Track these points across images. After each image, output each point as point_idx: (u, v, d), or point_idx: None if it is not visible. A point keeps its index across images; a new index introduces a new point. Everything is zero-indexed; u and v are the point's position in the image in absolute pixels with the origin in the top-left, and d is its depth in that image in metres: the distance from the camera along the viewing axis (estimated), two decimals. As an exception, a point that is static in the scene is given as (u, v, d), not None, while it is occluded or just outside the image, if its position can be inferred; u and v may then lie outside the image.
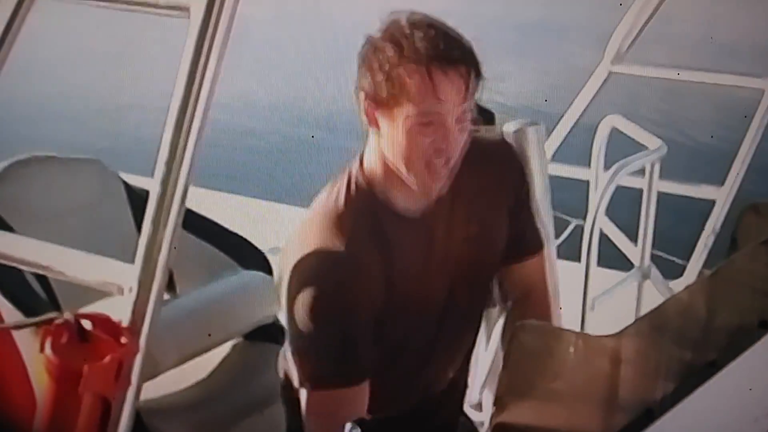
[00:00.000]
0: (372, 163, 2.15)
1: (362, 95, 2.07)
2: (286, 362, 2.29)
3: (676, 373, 1.90)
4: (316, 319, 2.06)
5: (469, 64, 2.02)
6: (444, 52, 2.00)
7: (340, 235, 2.08)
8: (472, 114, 2.07)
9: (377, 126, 2.08)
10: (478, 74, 2.04)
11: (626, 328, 1.71)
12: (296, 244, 2.12)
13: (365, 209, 2.13)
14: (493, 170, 2.28)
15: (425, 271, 2.19)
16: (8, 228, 2.90)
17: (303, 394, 2.13)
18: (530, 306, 2.41)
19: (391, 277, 2.12)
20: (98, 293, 2.02)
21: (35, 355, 1.87)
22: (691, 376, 1.86)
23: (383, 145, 2.09)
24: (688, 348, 1.96)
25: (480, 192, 2.25)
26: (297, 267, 2.08)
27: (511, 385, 1.66)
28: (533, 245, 2.43)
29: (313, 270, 2.07)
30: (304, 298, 2.05)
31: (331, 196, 2.15)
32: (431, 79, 1.99)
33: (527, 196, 2.40)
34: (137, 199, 3.23)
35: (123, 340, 1.89)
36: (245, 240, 3.48)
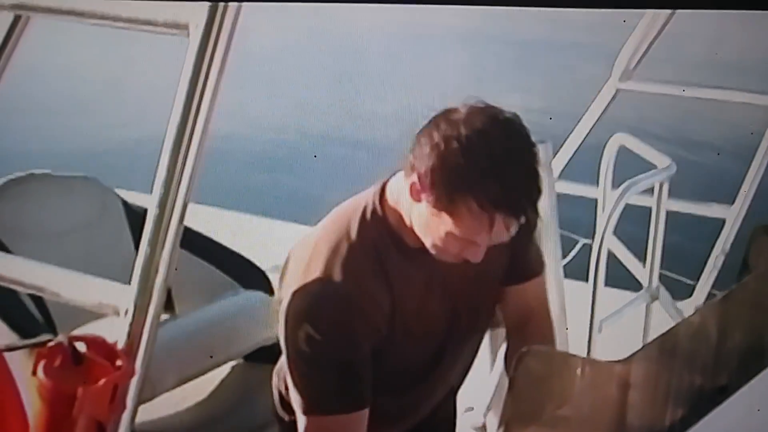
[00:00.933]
0: (394, 201, 2.09)
1: (414, 170, 1.97)
2: (281, 382, 2.25)
3: (686, 398, 1.87)
4: (315, 349, 2.02)
5: (529, 210, 1.97)
6: (512, 203, 1.93)
7: (346, 265, 2.04)
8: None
9: (417, 200, 2.00)
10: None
11: (635, 353, 1.67)
12: (300, 267, 2.07)
13: (376, 241, 2.08)
14: None
15: (428, 302, 2.16)
16: (3, 247, 2.86)
17: (301, 419, 2.08)
18: (531, 329, 2.36)
19: (395, 309, 2.08)
20: (95, 314, 1.99)
21: (28, 378, 1.83)
22: (702, 402, 1.82)
23: (413, 212, 2.03)
24: (698, 373, 1.92)
25: None
26: (298, 293, 2.04)
27: (517, 411, 1.63)
28: (534, 268, 2.39)
29: (314, 299, 2.03)
30: (304, 327, 2.02)
31: (343, 220, 2.10)
32: (490, 224, 1.93)
33: (527, 221, 2.34)
34: (135, 217, 3.20)
35: (118, 362, 1.86)
36: (246, 259, 3.44)
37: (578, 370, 1.71)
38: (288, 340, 2.06)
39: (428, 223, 1.99)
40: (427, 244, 2.01)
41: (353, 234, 2.07)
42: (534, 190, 1.95)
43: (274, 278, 3.43)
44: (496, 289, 2.31)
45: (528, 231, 2.25)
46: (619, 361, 1.66)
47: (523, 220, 1.94)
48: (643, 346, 1.78)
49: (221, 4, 1.86)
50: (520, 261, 2.32)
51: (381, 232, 2.08)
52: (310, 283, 2.04)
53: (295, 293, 2.04)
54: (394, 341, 2.10)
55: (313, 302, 2.03)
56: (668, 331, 1.85)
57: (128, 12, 1.97)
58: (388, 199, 2.10)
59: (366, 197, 2.12)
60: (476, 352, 2.41)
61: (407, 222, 2.05)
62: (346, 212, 2.12)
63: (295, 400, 2.09)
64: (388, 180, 2.13)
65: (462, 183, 1.91)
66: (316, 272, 2.04)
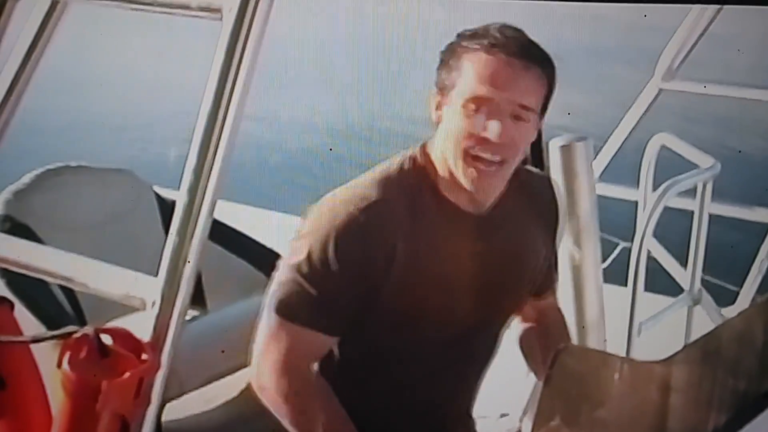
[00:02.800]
0: (433, 152, 2.12)
1: (435, 91, 2.08)
2: None
3: (728, 403, 1.81)
4: (324, 261, 2.04)
5: (537, 63, 2.02)
6: (513, 44, 2.00)
7: (381, 189, 2.07)
8: (534, 120, 2.05)
9: (439, 110, 2.08)
10: (548, 82, 2.05)
11: (676, 354, 1.61)
12: (341, 188, 2.11)
13: (414, 181, 2.10)
14: (538, 200, 2.29)
15: (453, 262, 2.12)
16: (36, 239, 2.83)
17: (270, 317, 2.10)
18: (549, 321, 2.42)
19: (409, 252, 2.05)
20: (126, 308, 1.95)
21: (53, 370, 1.81)
22: (745, 408, 1.76)
23: (439, 136, 2.07)
24: (741, 377, 1.86)
25: (524, 218, 2.23)
26: (330, 198, 2.08)
27: (551, 413, 1.57)
28: (552, 282, 2.42)
29: (342, 203, 2.06)
30: (325, 238, 2.04)
31: (385, 164, 2.14)
32: (491, 64, 1.99)
33: (559, 232, 2.40)
34: (169, 211, 3.16)
35: (144, 356, 1.82)
36: (280, 256, 3.40)
37: (617, 371, 1.65)
38: (302, 242, 2.07)
39: (448, 120, 2.04)
40: (452, 155, 2.03)
41: (393, 170, 2.12)
42: (541, 49, 2.04)
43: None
44: (522, 294, 2.30)
45: (555, 247, 2.37)
46: (659, 362, 1.60)
47: (530, 69, 1.99)
48: (685, 347, 1.72)
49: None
50: (545, 274, 2.35)
51: (419, 176, 2.11)
52: (343, 190, 2.09)
53: (328, 198, 2.09)
54: (399, 292, 2.08)
55: (342, 204, 2.06)
56: (711, 333, 1.80)
57: (162, -4, 1.95)
58: (429, 150, 2.13)
59: (410, 151, 2.16)
60: (493, 351, 2.34)
61: (443, 172, 2.08)
62: (385, 165, 2.15)
63: (273, 297, 2.11)
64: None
65: (464, 44, 2.03)
66: (352, 186, 2.09)
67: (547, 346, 2.30)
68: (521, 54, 1.99)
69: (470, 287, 2.14)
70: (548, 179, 2.40)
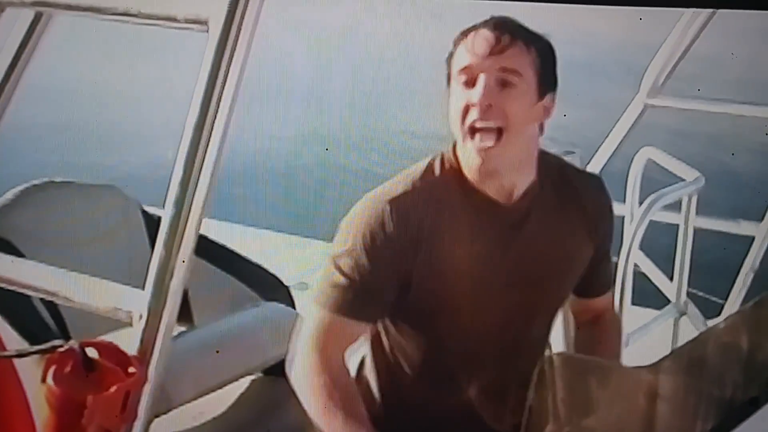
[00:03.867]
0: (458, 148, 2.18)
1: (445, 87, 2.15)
2: None
3: (715, 410, 1.80)
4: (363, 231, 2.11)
5: (521, 36, 2.07)
6: (496, 21, 2.09)
7: (408, 184, 2.15)
8: (527, 86, 2.07)
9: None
10: (537, 51, 2.09)
11: (663, 359, 1.61)
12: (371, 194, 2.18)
13: (441, 177, 2.16)
14: (581, 199, 2.28)
15: (483, 259, 2.15)
16: (20, 255, 2.81)
17: (316, 312, 2.13)
18: (601, 327, 2.43)
19: (436, 240, 2.12)
20: (111, 323, 1.94)
21: (38, 385, 1.79)
22: (732, 414, 1.76)
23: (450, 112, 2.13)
24: (727, 383, 1.86)
25: (563, 213, 2.24)
26: (367, 195, 2.16)
27: (541, 420, 1.57)
28: (605, 285, 2.44)
29: (373, 198, 2.14)
30: (359, 222, 2.13)
31: (417, 164, 2.21)
32: (473, 37, 2.08)
33: (610, 235, 2.39)
34: (156, 227, 3.15)
35: (131, 369, 1.81)
36: (267, 272, 3.40)
37: (605, 378, 1.65)
38: (340, 236, 2.15)
39: (451, 103, 2.10)
40: (457, 131, 2.09)
41: (423, 167, 2.19)
42: (520, 24, 2.10)
43: (296, 294, 3.40)
44: (567, 277, 2.30)
45: (607, 244, 2.36)
46: (646, 368, 1.60)
47: (502, 33, 2.06)
48: (670, 354, 1.71)
49: (242, -1, 1.82)
50: (595, 276, 2.36)
51: (447, 174, 2.16)
52: (381, 187, 2.16)
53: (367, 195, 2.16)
54: (430, 288, 2.14)
55: (378, 194, 2.15)
56: (696, 339, 1.79)
57: (148, 8, 1.95)
58: (457, 151, 2.17)
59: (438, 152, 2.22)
60: (540, 347, 2.32)
61: (466, 164, 2.14)
62: (416, 164, 2.21)
63: (316, 290, 2.16)
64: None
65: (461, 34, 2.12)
66: (382, 192, 2.15)
67: (599, 350, 2.33)
68: (503, 27, 2.07)
69: (500, 276, 2.16)
70: (598, 180, 2.38)
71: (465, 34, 2.10)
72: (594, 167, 4.35)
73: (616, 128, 4.41)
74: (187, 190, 1.85)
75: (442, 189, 2.15)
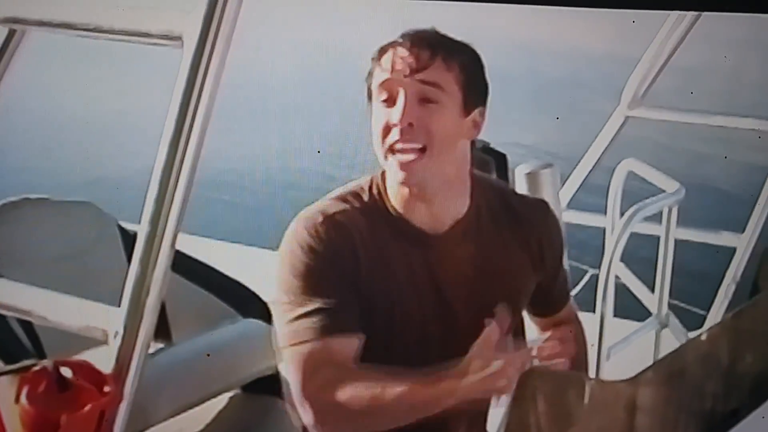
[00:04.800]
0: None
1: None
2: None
3: (696, 422, 1.80)
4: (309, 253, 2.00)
5: (441, 48, 1.98)
6: (413, 36, 2.00)
7: (338, 205, 2.05)
8: (450, 103, 1.99)
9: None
10: (459, 65, 1.99)
11: (643, 372, 1.60)
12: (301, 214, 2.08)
13: (369, 202, 2.07)
14: (525, 224, 2.18)
15: (411, 285, 2.07)
16: (-6, 273, 2.80)
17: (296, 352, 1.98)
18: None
19: (369, 261, 2.03)
20: (87, 341, 1.92)
21: (11, 405, 1.78)
22: (713, 426, 1.76)
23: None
24: (708, 395, 1.85)
25: (502, 238, 2.15)
26: (295, 220, 2.04)
27: (518, 434, 1.56)
28: (561, 301, 2.36)
29: (303, 220, 2.03)
30: (292, 246, 2.01)
31: (346, 185, 2.12)
32: (391, 53, 1.98)
33: (560, 257, 2.29)
34: (133, 245, 3.14)
35: (106, 388, 1.79)
36: (245, 288, 3.38)
37: (584, 391, 1.64)
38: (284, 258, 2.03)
39: (372, 122, 2.01)
40: (379, 154, 2.00)
41: (350, 194, 2.08)
42: (437, 36, 2.01)
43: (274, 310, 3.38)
44: (508, 301, 2.13)
45: (554, 271, 2.25)
46: (626, 381, 1.59)
47: (418, 47, 1.97)
48: (651, 366, 1.70)
49: (217, 14, 1.81)
50: (549, 295, 2.29)
51: (374, 199, 2.08)
52: (303, 219, 2.03)
53: (290, 229, 2.04)
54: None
55: (311, 213, 2.04)
56: (677, 351, 1.79)
57: (122, 24, 1.94)
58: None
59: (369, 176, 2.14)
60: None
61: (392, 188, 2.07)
62: (346, 186, 2.12)
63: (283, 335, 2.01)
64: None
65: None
66: (314, 212, 2.04)
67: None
68: (421, 42, 1.98)
69: (429, 307, 2.08)
70: (543, 205, 2.28)
71: (383, 50, 2.01)
72: (575, 179, 4.36)
73: (597, 140, 4.42)
74: (162, 207, 1.84)
75: (368, 215, 2.06)
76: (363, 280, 2.02)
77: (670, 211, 3.48)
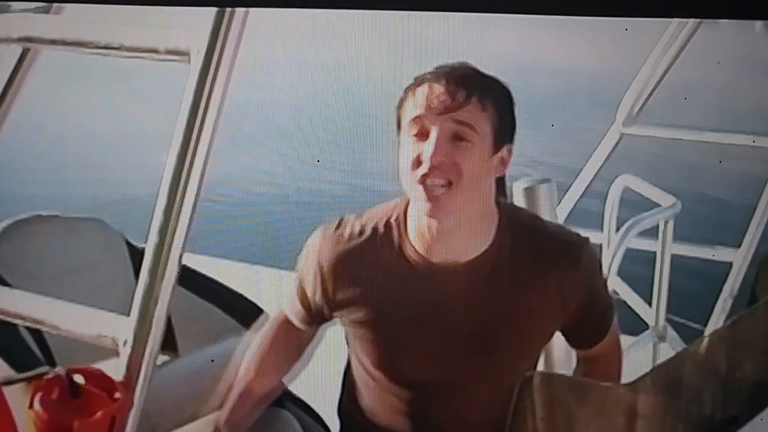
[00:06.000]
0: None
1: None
2: None
3: (695, 428, 1.82)
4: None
5: (475, 88, 2.01)
6: (447, 72, 2.03)
7: (357, 224, 2.19)
8: (482, 143, 2.02)
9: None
10: (493, 106, 2.03)
11: (642, 377, 1.63)
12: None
13: (386, 231, 2.16)
14: (550, 262, 2.14)
15: (422, 320, 2.12)
16: (6, 285, 2.83)
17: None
18: (601, 362, 2.29)
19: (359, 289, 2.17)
20: (97, 351, 1.95)
21: (25, 411, 1.81)
22: (712, 432, 1.78)
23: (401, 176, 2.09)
24: (707, 402, 1.87)
25: (522, 282, 2.12)
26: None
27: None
28: (600, 333, 2.27)
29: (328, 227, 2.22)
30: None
31: (376, 207, 2.23)
32: (425, 89, 2.03)
33: (598, 291, 2.23)
34: (140, 259, 3.16)
35: (117, 395, 1.82)
36: (251, 302, 3.41)
37: (584, 396, 1.67)
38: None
39: (401, 155, 2.05)
40: (406, 186, 2.06)
41: (372, 217, 2.19)
42: (472, 74, 2.05)
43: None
44: (525, 349, 2.18)
45: (588, 305, 2.19)
46: (624, 386, 1.62)
47: (454, 87, 2.01)
48: (650, 371, 1.73)
49: (222, 30, 1.85)
50: (583, 330, 2.24)
51: (390, 229, 2.15)
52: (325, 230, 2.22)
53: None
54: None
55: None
56: (675, 358, 1.81)
57: (131, 41, 1.97)
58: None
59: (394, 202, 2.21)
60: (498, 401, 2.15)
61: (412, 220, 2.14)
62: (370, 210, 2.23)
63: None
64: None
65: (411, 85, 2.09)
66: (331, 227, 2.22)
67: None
68: (457, 81, 2.01)
69: (436, 333, 2.11)
70: (574, 245, 2.17)
71: (418, 83, 2.05)
72: (572, 195, 4.39)
73: (593, 158, 4.44)
74: (171, 217, 1.87)
75: (378, 242, 2.14)
76: (357, 299, 2.16)
77: (666, 225, 3.51)
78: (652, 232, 3.57)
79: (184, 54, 1.90)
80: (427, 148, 1.98)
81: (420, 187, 2.00)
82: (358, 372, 2.30)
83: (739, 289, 4.00)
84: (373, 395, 2.27)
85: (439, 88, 2.00)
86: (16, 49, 2.17)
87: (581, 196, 4.40)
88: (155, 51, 1.95)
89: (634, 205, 3.89)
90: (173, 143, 1.86)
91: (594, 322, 2.24)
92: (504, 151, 2.06)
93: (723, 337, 2.06)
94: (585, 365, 2.30)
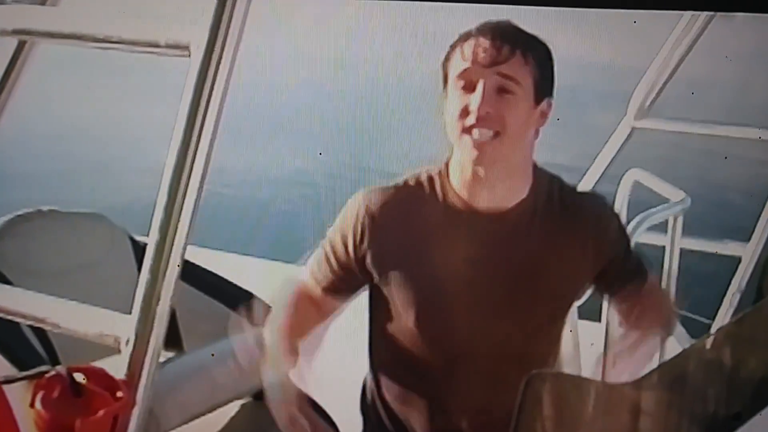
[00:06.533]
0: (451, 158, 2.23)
1: (441, 90, 2.19)
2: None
3: (699, 425, 1.80)
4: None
5: (519, 43, 2.10)
6: (492, 27, 2.12)
7: (392, 189, 2.25)
8: (525, 95, 2.10)
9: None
10: (535, 61, 2.11)
11: (647, 375, 1.61)
12: None
13: (426, 188, 2.23)
14: (582, 220, 2.27)
15: (449, 268, 2.19)
16: (8, 284, 2.82)
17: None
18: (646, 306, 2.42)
19: (398, 247, 2.21)
20: (100, 350, 1.94)
21: (26, 410, 1.79)
22: (715, 429, 1.76)
23: (447, 128, 2.16)
24: (711, 399, 1.86)
25: (557, 231, 2.23)
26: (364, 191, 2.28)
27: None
28: (640, 274, 2.42)
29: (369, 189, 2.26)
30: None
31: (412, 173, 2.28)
32: (471, 43, 2.11)
33: (621, 240, 2.39)
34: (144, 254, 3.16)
35: (119, 394, 1.81)
36: (254, 296, 3.40)
37: (589, 395, 1.66)
38: None
39: (447, 106, 2.13)
40: (452, 137, 2.14)
41: (410, 182, 2.26)
42: (518, 31, 2.14)
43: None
44: (561, 296, 2.31)
45: (617, 254, 2.33)
46: (630, 384, 1.60)
47: (499, 41, 2.09)
48: (655, 369, 1.71)
49: (224, 23, 1.83)
50: (621, 275, 2.36)
51: (431, 185, 2.23)
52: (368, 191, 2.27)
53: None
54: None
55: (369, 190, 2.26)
56: (680, 355, 1.79)
57: (130, 34, 1.96)
58: (449, 162, 2.23)
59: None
60: (541, 358, 2.34)
61: (455, 171, 2.20)
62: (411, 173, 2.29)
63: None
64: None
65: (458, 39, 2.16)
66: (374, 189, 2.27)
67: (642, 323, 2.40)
68: (502, 36, 2.10)
69: (481, 287, 2.19)
70: (597, 198, 2.39)
71: (464, 38, 2.13)
72: (581, 190, 4.37)
73: (603, 152, 4.43)
74: (172, 214, 1.86)
75: (421, 193, 2.22)
76: (406, 255, 2.19)
77: (675, 220, 3.49)
78: (659, 226, 3.54)
79: (184, 48, 1.88)
80: (475, 99, 2.07)
81: (467, 136, 2.09)
82: (387, 346, 2.32)
83: (747, 284, 3.99)
84: (404, 370, 2.31)
85: (485, 42, 2.09)
86: (12, 42, 2.15)
87: (591, 189, 4.38)
88: (155, 44, 1.94)
89: (643, 199, 3.86)
90: (173, 140, 1.84)
91: (630, 259, 2.39)
92: (544, 105, 2.16)
93: (728, 333, 2.05)
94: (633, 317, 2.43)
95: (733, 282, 4.00)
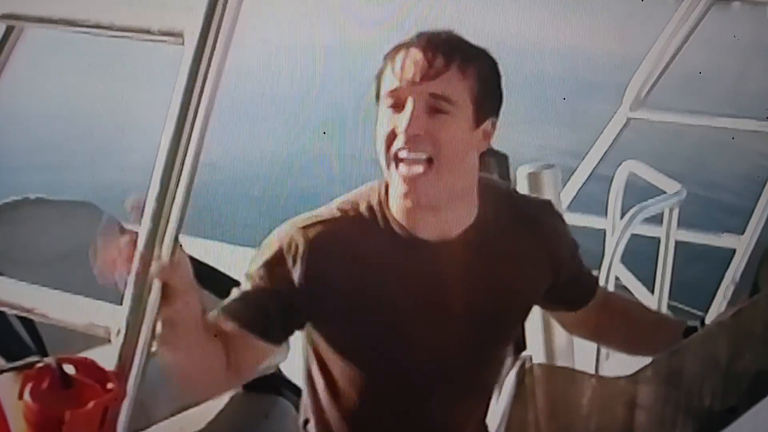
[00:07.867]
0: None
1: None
2: None
3: (694, 419, 1.80)
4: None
5: (457, 55, 1.90)
6: (427, 39, 1.92)
7: (331, 213, 2.02)
8: (462, 115, 1.91)
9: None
10: (476, 74, 1.92)
11: (643, 368, 1.61)
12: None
13: (368, 213, 2.02)
14: (535, 227, 2.12)
15: (413, 293, 2.02)
16: (-5, 273, 2.79)
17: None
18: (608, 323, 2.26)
19: (347, 277, 2.00)
20: (89, 340, 1.92)
21: (15, 402, 1.78)
22: (710, 423, 1.75)
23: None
24: (706, 393, 1.86)
25: (511, 247, 2.09)
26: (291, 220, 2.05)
27: (519, 429, 1.56)
28: (590, 291, 2.27)
29: (296, 220, 2.03)
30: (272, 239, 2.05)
31: (351, 193, 2.07)
32: (401, 57, 1.91)
33: (574, 253, 2.23)
34: (134, 246, 3.13)
35: (109, 385, 1.79)
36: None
37: (585, 388, 1.65)
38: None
39: (378, 126, 1.94)
40: (388, 161, 1.93)
41: (348, 203, 2.04)
42: (452, 40, 1.94)
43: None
44: (517, 312, 2.17)
45: (572, 266, 2.19)
46: (626, 378, 1.59)
47: (431, 54, 1.88)
48: (650, 363, 1.70)
49: (218, 10, 1.81)
50: (573, 291, 2.22)
51: (373, 209, 2.02)
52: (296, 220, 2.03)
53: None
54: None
55: (286, 230, 2.03)
56: (675, 349, 1.78)
57: (122, 20, 1.93)
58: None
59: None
60: (490, 382, 2.13)
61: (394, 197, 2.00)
62: (350, 195, 2.08)
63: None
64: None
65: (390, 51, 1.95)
66: (305, 216, 2.03)
67: (618, 337, 2.25)
68: (436, 47, 1.90)
69: (433, 310, 2.03)
70: (549, 205, 2.25)
71: (396, 50, 1.93)
72: (576, 181, 4.37)
73: (599, 142, 4.43)
74: (164, 204, 1.84)
75: (363, 224, 2.01)
76: (346, 291, 1.99)
77: (671, 212, 3.49)
78: (654, 217, 3.54)
79: (178, 35, 1.85)
80: (403, 119, 1.88)
81: (395, 170, 1.91)
82: (334, 389, 2.12)
83: (741, 276, 3.99)
84: (358, 405, 2.11)
85: (417, 54, 1.89)
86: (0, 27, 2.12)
87: (585, 181, 4.38)
88: (147, 31, 1.90)
89: (638, 190, 3.87)
90: (166, 129, 1.82)
91: (583, 274, 2.25)
92: (487, 125, 1.97)
93: (724, 327, 2.04)
94: (604, 329, 2.27)
95: (726, 274, 4.01)
